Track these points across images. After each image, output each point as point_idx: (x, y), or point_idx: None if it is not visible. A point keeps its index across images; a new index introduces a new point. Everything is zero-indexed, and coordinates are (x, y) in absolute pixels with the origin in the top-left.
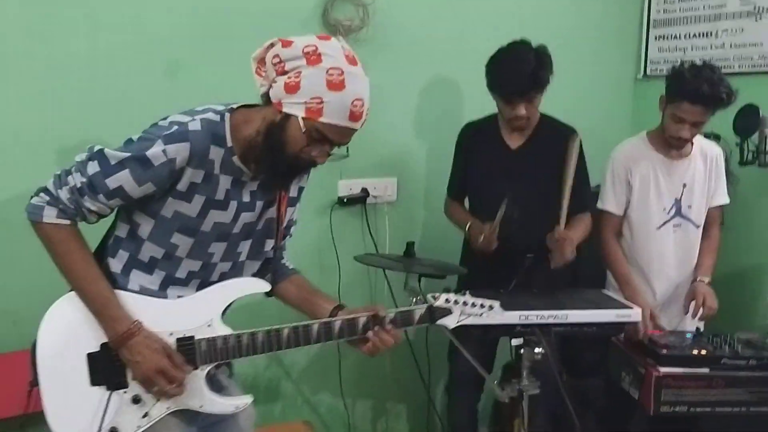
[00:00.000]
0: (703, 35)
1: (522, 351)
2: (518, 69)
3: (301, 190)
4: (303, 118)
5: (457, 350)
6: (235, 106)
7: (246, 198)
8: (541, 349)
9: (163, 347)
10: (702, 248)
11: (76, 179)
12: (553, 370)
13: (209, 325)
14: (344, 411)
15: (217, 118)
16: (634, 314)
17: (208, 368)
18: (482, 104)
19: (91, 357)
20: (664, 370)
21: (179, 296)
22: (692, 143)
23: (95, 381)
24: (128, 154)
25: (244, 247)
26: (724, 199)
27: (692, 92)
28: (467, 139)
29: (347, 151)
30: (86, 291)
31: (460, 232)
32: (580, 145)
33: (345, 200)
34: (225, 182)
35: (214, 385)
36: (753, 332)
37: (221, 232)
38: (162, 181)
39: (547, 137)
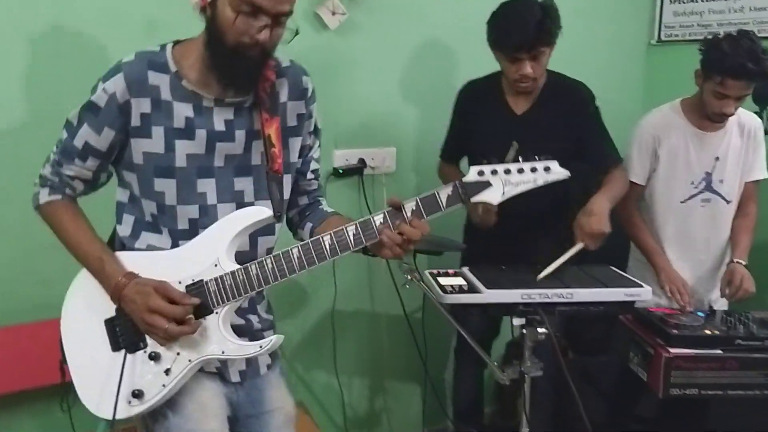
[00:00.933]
0: None
1: (524, 331)
2: (522, 20)
3: (301, 117)
4: None
5: (462, 316)
6: (181, 39)
7: (219, 126)
8: (544, 329)
9: (155, 288)
10: (738, 227)
11: (54, 153)
12: (557, 352)
13: (216, 265)
14: (339, 390)
15: (156, 48)
16: (644, 293)
17: (225, 309)
18: (486, 69)
19: (108, 323)
20: (674, 351)
21: None
22: None
23: (116, 346)
24: (80, 107)
25: (245, 185)
26: (762, 173)
27: (736, 68)
28: (468, 101)
29: (297, 30)
30: (82, 255)
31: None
32: (592, 97)
33: (341, 171)
34: (183, 109)
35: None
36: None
37: (200, 167)
38: (116, 122)
39: (555, 99)
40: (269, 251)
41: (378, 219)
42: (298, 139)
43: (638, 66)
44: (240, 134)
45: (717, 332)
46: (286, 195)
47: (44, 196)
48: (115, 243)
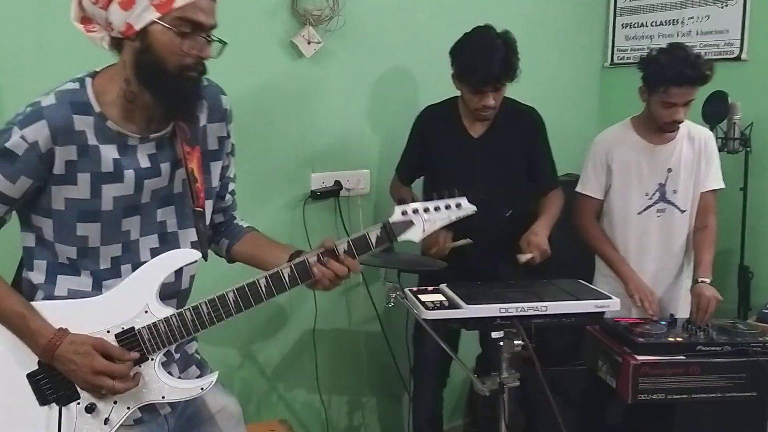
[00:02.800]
0: (669, 23)
1: (501, 343)
2: (489, 57)
3: (222, 139)
4: (160, 18)
5: (420, 335)
6: (98, 69)
7: (145, 163)
8: (520, 341)
9: (94, 346)
10: (700, 243)
11: None
12: (535, 361)
13: (146, 311)
14: (320, 407)
15: (76, 85)
16: (612, 304)
17: (160, 356)
18: (451, 93)
19: (32, 377)
20: (641, 358)
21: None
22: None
23: (43, 401)
24: None
25: (167, 215)
26: (717, 183)
27: (676, 76)
28: (427, 125)
29: (224, 42)
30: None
31: None
32: (542, 123)
33: (318, 193)
34: (109, 152)
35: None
36: (723, 318)
37: (127, 206)
38: (35, 171)
39: (509, 123)
40: (192, 278)
41: (312, 260)
42: (218, 163)
43: (593, 87)
44: (165, 167)
45: (680, 339)
46: (207, 221)
47: None
48: (24, 290)
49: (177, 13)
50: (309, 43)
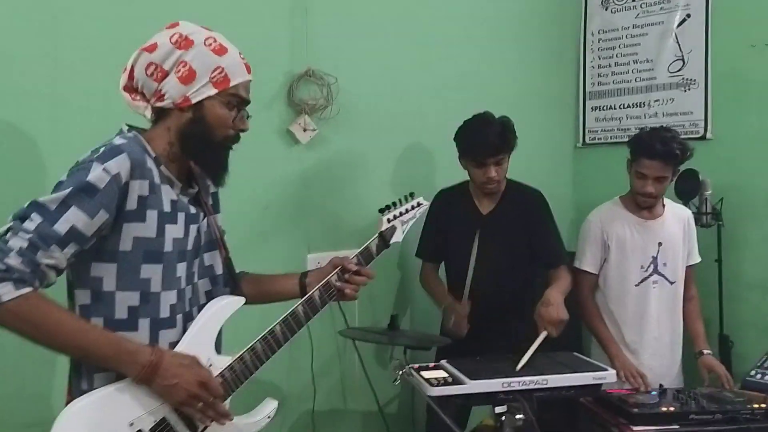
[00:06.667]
0: (636, 105)
1: (503, 418)
2: (486, 131)
3: (215, 195)
4: (217, 93)
5: (431, 413)
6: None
7: (192, 209)
8: (522, 415)
9: (193, 360)
10: (690, 314)
11: (21, 240)
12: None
13: (210, 365)
14: None
15: (131, 134)
16: (609, 376)
17: (227, 401)
18: (447, 174)
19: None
20: (637, 429)
21: (170, 342)
22: (663, 205)
23: None
24: (68, 190)
25: (196, 266)
26: (697, 257)
27: (648, 149)
28: (442, 205)
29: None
30: (87, 343)
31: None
32: (544, 202)
33: None
34: (167, 192)
35: None
36: (709, 387)
37: (180, 251)
38: (112, 204)
39: (514, 201)
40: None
41: (333, 279)
42: (219, 216)
43: (567, 166)
44: (201, 215)
45: (673, 408)
46: None
47: (8, 291)
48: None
49: (231, 90)
50: (305, 130)
